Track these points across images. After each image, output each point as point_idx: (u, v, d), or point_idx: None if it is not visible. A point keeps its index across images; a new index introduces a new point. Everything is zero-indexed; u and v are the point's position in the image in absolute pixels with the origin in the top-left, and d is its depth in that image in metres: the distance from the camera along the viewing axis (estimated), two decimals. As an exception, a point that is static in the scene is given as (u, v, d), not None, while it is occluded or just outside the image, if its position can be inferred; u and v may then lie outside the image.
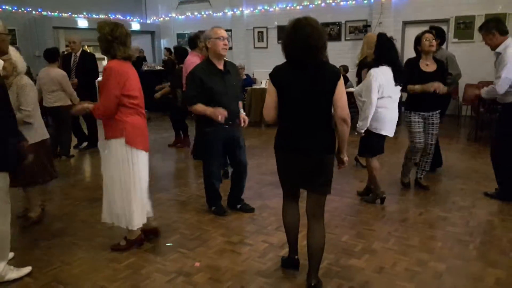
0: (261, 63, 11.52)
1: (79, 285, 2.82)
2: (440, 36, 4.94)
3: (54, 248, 3.35)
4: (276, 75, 2.55)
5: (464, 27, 9.08)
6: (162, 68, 10.98)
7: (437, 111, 4.35)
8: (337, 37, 10.62)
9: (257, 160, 5.74)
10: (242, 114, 3.92)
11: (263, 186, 4.66)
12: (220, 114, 3.51)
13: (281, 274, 2.89)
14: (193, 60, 5.12)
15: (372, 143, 4.03)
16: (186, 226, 3.63)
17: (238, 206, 4.05)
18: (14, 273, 2.85)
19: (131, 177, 3.08)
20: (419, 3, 9.52)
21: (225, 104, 3.58)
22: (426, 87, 4.14)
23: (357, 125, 3.94)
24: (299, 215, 2.82)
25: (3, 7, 10.32)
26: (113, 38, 2.94)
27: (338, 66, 9.02)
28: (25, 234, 3.59)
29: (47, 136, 3.82)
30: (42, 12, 11.13)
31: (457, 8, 9.09)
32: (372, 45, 5.03)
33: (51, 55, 5.87)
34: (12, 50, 3.52)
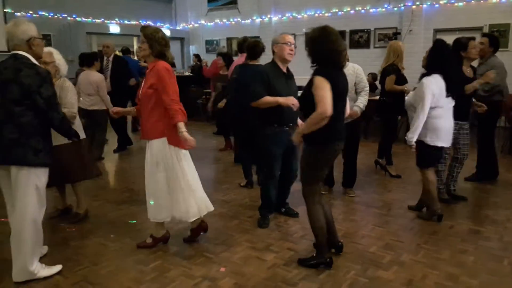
0: (289, 70, 11.47)
1: (107, 285, 2.87)
2: (494, 44, 4.86)
3: (84, 248, 3.43)
4: (327, 74, 2.78)
5: (498, 35, 8.78)
6: (191, 74, 11.15)
7: (468, 122, 4.29)
8: (365, 44, 10.49)
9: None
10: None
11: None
12: (292, 102, 3.47)
13: (306, 283, 2.86)
14: (240, 60, 5.11)
15: (427, 154, 3.84)
16: (212, 231, 3.64)
17: (283, 209, 4.10)
18: (45, 271, 2.94)
19: (176, 173, 3.15)
20: (451, 11, 9.29)
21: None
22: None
23: (406, 137, 3.75)
24: None
25: (40, 13, 10.71)
26: (165, 42, 3.14)
27: (366, 74, 8.92)
28: (56, 234, 3.68)
29: (84, 136, 3.98)
30: (77, 18, 11.48)
31: (491, 16, 8.81)
32: (398, 52, 5.04)
33: (89, 59, 6.02)
34: (55, 53, 3.70)
